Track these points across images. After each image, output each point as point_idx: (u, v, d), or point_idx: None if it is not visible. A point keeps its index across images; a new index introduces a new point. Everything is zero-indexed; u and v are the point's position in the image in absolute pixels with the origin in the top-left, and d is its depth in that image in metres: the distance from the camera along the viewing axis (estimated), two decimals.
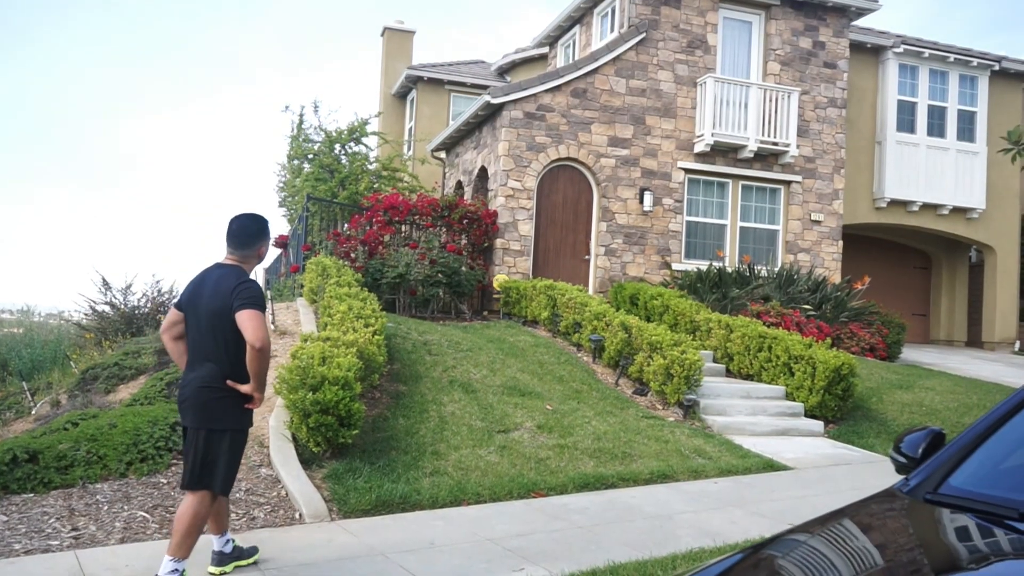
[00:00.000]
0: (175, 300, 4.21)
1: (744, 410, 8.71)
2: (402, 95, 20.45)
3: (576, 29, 16.50)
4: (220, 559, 4.26)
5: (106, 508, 5.15)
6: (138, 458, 5.75)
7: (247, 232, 4.13)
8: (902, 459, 2.56)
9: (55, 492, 5.37)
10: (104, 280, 16.20)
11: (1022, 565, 1.85)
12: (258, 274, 23.89)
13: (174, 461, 5.96)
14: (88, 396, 8.43)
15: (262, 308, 3.92)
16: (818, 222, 14.88)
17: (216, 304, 3.95)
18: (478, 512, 5.46)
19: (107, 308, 16.24)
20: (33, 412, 9.32)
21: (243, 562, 4.33)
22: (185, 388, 4.03)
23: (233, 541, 4.37)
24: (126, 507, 5.17)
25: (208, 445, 3.95)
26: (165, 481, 5.64)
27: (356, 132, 15.14)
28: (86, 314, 16.37)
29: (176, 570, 3.82)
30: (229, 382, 3.98)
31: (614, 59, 13.81)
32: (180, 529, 3.85)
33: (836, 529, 2.07)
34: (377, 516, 5.29)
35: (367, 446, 6.36)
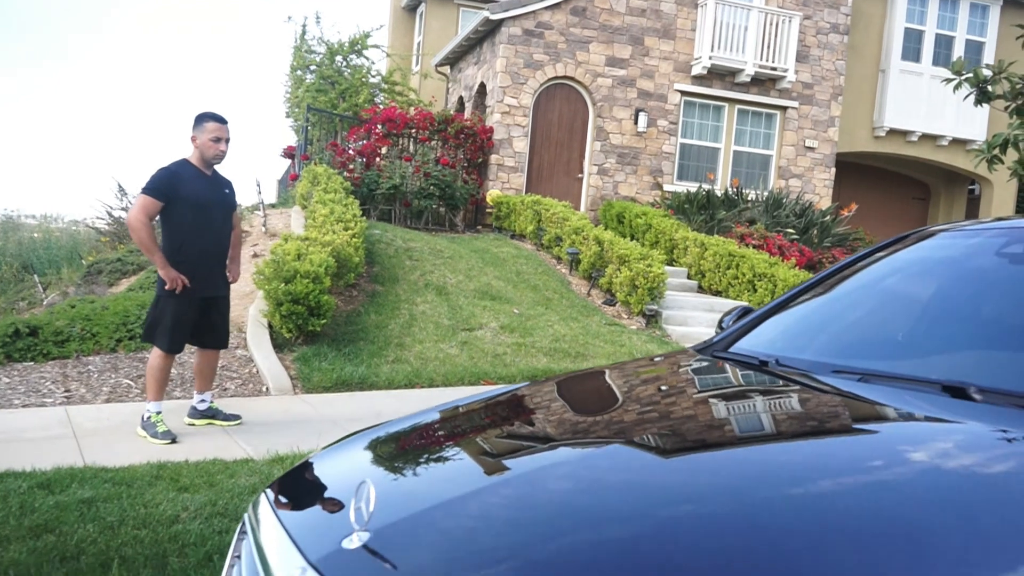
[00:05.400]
0: None
1: (704, 322, 9.21)
2: (412, 8, 20.44)
3: None
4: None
5: (96, 376, 5.80)
6: (127, 336, 6.38)
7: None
8: (719, 331, 3.06)
9: (52, 362, 6.04)
10: (120, 186, 16.86)
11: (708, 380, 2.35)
12: (268, 185, 24.32)
13: None
14: (91, 288, 9.10)
15: (148, 192, 4.51)
16: (812, 148, 15.04)
17: None
18: (428, 393, 6.07)
19: (123, 213, 16.91)
20: (44, 303, 10.03)
21: (220, 423, 4.97)
22: None
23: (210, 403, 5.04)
24: (113, 375, 5.83)
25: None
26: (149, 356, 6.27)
27: (357, 44, 15.35)
28: (103, 220, 17.11)
29: (204, 400, 4.93)
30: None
31: None
32: (211, 374, 4.99)
33: (621, 369, 2.58)
34: (336, 393, 5.91)
35: (337, 336, 6.97)
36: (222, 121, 4.70)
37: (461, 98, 15.96)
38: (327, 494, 1.71)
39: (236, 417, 5.02)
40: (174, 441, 4.54)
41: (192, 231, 4.59)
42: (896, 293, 2.85)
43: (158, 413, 4.64)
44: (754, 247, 11.73)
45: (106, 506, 3.33)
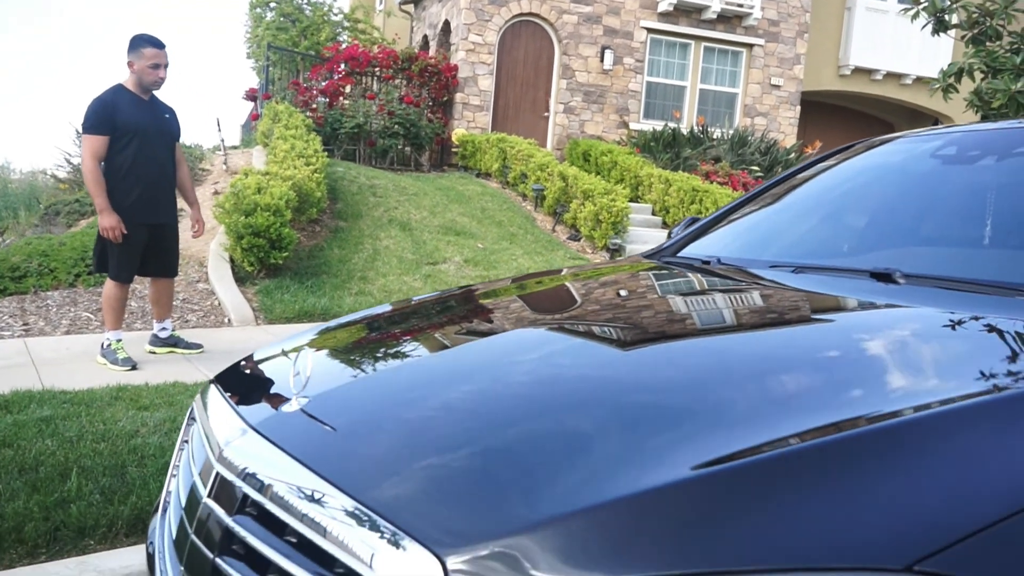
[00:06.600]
0: None
1: None
2: None
3: None
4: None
5: (55, 310, 5.76)
6: (85, 271, 6.32)
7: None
8: (668, 239, 3.12)
9: (9, 297, 5.97)
10: (77, 131, 16.46)
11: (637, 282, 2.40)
12: (232, 129, 23.81)
13: None
14: (49, 228, 8.96)
15: (89, 131, 4.40)
16: (777, 87, 15.05)
17: None
18: None
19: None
20: (2, 245, 9.86)
21: (181, 351, 4.98)
22: None
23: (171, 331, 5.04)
24: (72, 309, 5.79)
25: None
26: None
27: None
28: (63, 168, 16.74)
29: (164, 328, 4.95)
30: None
31: None
32: (167, 303, 4.94)
33: (575, 271, 2.63)
34: (298, 323, 5.93)
35: (300, 269, 6.96)
36: (160, 46, 4.52)
37: (426, 36, 15.68)
38: (270, 373, 1.75)
39: (198, 346, 5.03)
40: (134, 368, 4.55)
41: (133, 158, 4.47)
42: (836, 197, 2.92)
43: (118, 341, 4.64)
44: (719, 184, 11.81)
45: (65, 423, 3.35)
